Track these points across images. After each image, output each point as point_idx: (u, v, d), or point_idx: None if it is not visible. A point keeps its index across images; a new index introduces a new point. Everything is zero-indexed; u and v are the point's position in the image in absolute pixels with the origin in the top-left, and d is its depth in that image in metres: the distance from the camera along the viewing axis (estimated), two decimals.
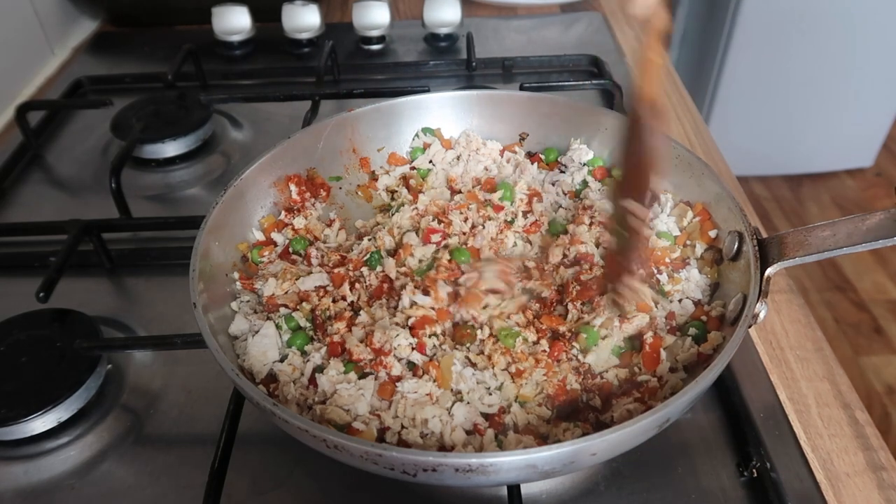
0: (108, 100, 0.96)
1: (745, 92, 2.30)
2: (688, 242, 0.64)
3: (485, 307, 0.59)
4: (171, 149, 0.93)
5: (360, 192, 0.75)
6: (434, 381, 0.53)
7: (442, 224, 0.67)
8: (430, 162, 0.77)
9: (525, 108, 0.76)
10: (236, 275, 0.63)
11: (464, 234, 0.67)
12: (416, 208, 0.70)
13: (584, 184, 0.73)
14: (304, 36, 1.18)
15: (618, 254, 0.58)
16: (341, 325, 0.57)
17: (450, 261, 0.63)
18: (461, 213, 0.68)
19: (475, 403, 0.52)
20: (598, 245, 0.66)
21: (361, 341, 0.56)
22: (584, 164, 0.74)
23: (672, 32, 0.51)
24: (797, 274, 2.19)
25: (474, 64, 1.09)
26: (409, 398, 0.52)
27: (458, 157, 0.77)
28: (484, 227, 0.67)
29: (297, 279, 0.61)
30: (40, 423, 0.59)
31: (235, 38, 1.17)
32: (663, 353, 0.55)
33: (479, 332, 0.57)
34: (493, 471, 0.42)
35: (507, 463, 0.42)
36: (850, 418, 0.60)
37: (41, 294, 0.64)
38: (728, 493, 0.54)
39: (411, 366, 0.55)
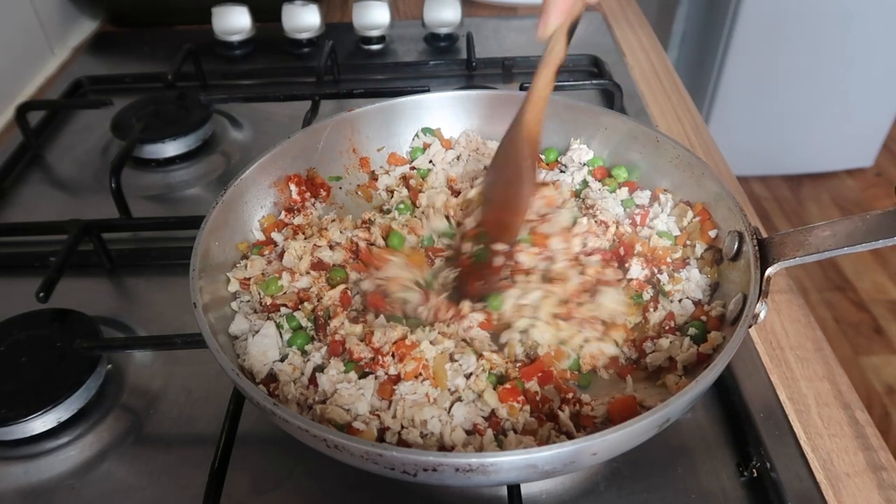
0: (108, 100, 0.96)
1: (745, 92, 2.30)
2: (688, 242, 0.64)
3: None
4: (171, 149, 0.93)
5: (360, 192, 0.75)
6: (426, 380, 0.53)
7: None
8: (430, 162, 0.77)
9: None
10: (236, 274, 0.63)
11: None
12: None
13: (585, 183, 0.73)
14: (304, 36, 1.18)
15: (472, 269, 0.59)
16: (337, 322, 0.57)
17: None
18: None
19: (469, 403, 0.52)
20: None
21: (362, 340, 0.56)
22: (584, 164, 0.74)
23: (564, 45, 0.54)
24: (797, 274, 2.19)
25: (474, 64, 1.09)
26: (407, 399, 0.52)
27: (458, 157, 0.77)
28: None
29: (315, 250, 0.63)
30: (40, 423, 0.59)
31: (235, 38, 1.17)
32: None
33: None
34: (494, 471, 0.42)
35: (508, 463, 0.41)
36: (850, 418, 0.60)
37: (41, 294, 0.64)
38: (728, 493, 0.54)
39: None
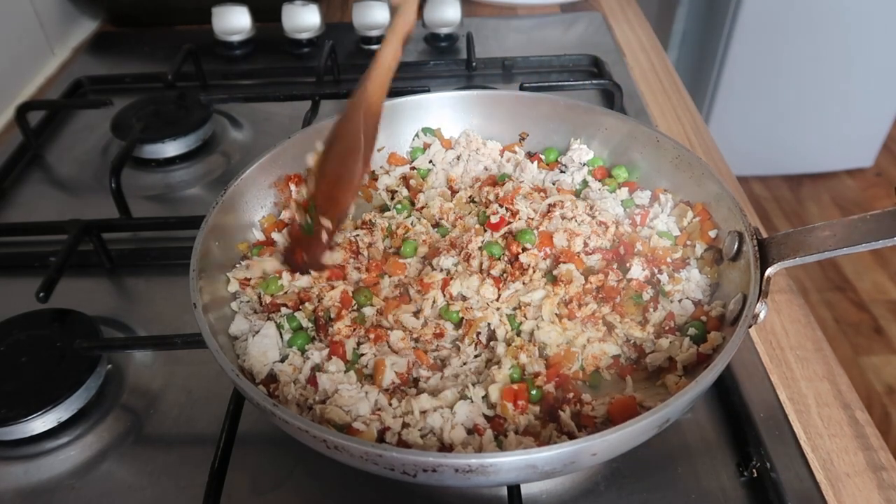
0: (108, 100, 0.96)
1: (745, 92, 2.30)
2: (688, 242, 0.64)
3: None
4: (171, 149, 0.93)
5: (359, 192, 0.75)
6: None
7: (509, 212, 0.67)
8: (430, 162, 0.77)
9: (525, 108, 0.76)
10: (236, 275, 0.63)
11: (531, 219, 0.67)
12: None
13: (585, 184, 0.73)
14: (304, 36, 1.18)
15: (298, 239, 0.58)
16: (342, 325, 0.57)
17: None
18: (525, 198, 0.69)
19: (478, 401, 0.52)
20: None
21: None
22: (584, 164, 0.74)
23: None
24: (797, 274, 2.19)
25: (474, 64, 1.09)
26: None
27: (458, 157, 0.77)
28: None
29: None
30: (40, 423, 0.59)
31: (235, 38, 1.17)
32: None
33: None
34: (493, 471, 0.42)
35: (508, 463, 0.41)
36: (850, 418, 0.60)
37: (41, 294, 0.64)
38: (728, 493, 0.54)
39: None
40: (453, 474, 0.42)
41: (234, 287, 0.61)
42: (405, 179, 0.76)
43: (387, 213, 0.71)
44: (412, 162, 0.77)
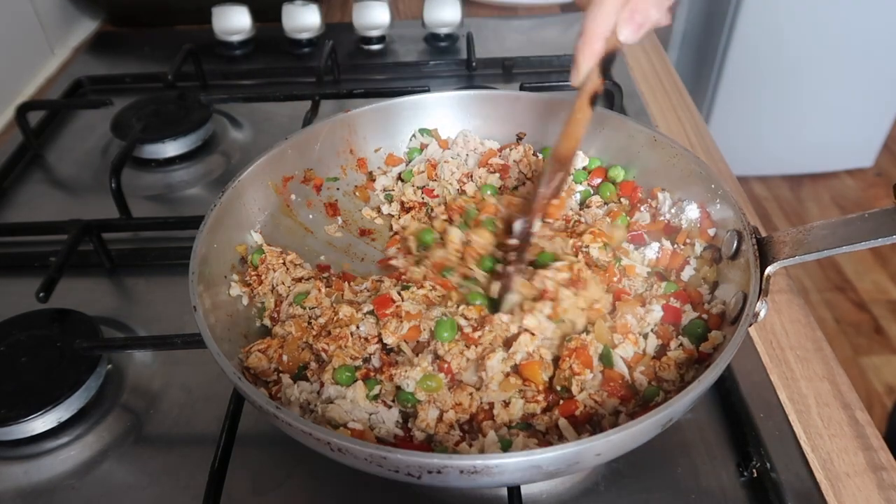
0: (108, 100, 0.96)
1: (745, 92, 2.30)
2: (687, 241, 0.64)
3: None
4: (171, 149, 0.93)
5: (357, 193, 0.75)
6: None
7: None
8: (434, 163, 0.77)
9: (524, 108, 0.76)
10: (235, 276, 0.63)
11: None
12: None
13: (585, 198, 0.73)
14: (304, 36, 1.18)
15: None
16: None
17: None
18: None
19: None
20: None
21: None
22: (583, 168, 0.74)
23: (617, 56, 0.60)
24: (797, 274, 2.19)
25: (474, 64, 1.09)
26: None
27: (458, 156, 0.77)
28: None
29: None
30: (40, 423, 0.59)
31: (235, 38, 1.18)
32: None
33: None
34: (498, 472, 0.42)
35: (512, 464, 0.41)
36: (850, 418, 0.60)
37: (41, 294, 0.64)
38: (728, 493, 0.54)
39: None
40: (458, 475, 0.42)
41: (235, 290, 0.61)
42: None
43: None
44: (409, 163, 0.77)
